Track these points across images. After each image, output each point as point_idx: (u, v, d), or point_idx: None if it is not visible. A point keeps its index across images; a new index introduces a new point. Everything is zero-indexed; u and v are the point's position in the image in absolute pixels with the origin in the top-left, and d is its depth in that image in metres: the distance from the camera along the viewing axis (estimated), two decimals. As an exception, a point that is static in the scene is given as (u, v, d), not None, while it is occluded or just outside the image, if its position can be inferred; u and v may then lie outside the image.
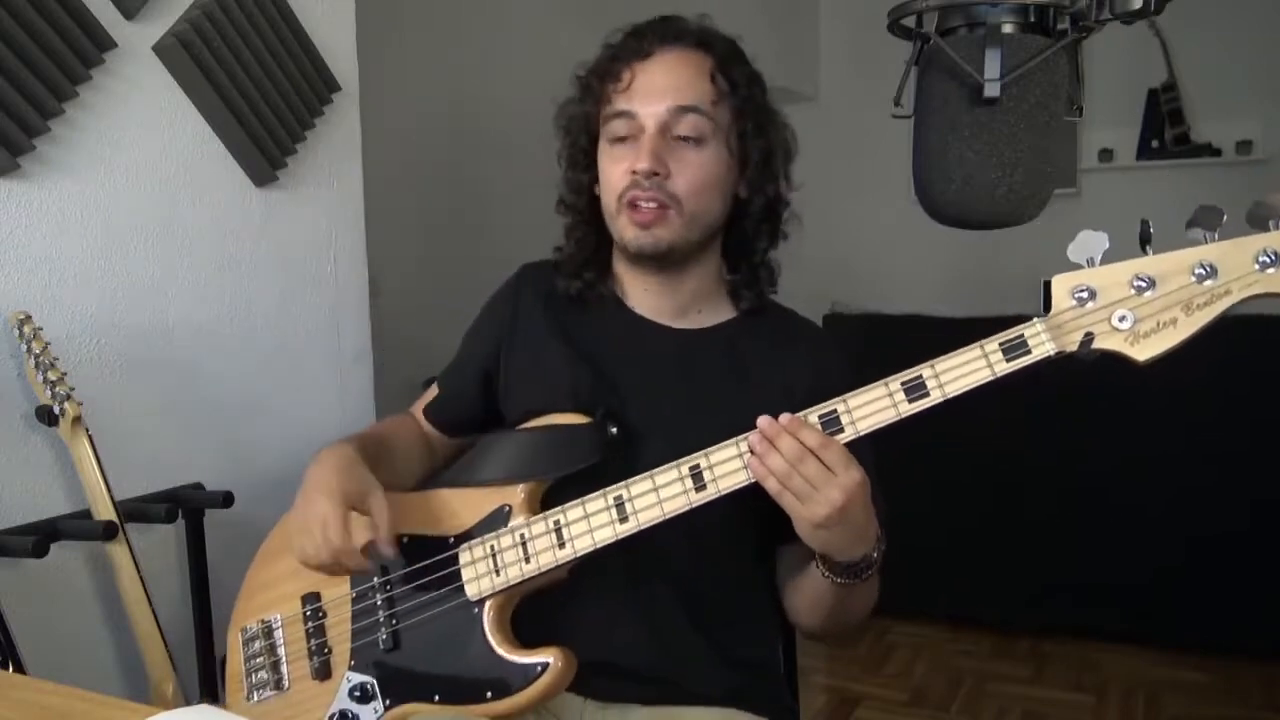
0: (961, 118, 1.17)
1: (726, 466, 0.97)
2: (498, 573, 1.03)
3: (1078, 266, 0.91)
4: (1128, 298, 0.89)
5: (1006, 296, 4.03)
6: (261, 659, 1.15)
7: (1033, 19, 1.18)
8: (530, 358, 1.21)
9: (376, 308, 2.02)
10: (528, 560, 1.02)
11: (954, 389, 0.92)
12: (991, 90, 1.14)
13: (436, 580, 1.06)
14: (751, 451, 0.95)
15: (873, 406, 0.94)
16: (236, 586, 1.25)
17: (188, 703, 1.39)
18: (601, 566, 1.02)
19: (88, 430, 1.36)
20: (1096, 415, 2.71)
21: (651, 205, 1.09)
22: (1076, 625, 2.88)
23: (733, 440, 0.97)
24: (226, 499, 1.55)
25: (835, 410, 0.95)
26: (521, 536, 1.03)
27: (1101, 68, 3.63)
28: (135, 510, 1.46)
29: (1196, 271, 0.88)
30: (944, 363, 0.93)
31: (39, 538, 1.29)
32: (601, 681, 1.08)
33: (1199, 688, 2.59)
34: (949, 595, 2.99)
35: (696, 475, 0.97)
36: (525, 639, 1.05)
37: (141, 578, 1.38)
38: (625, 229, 1.12)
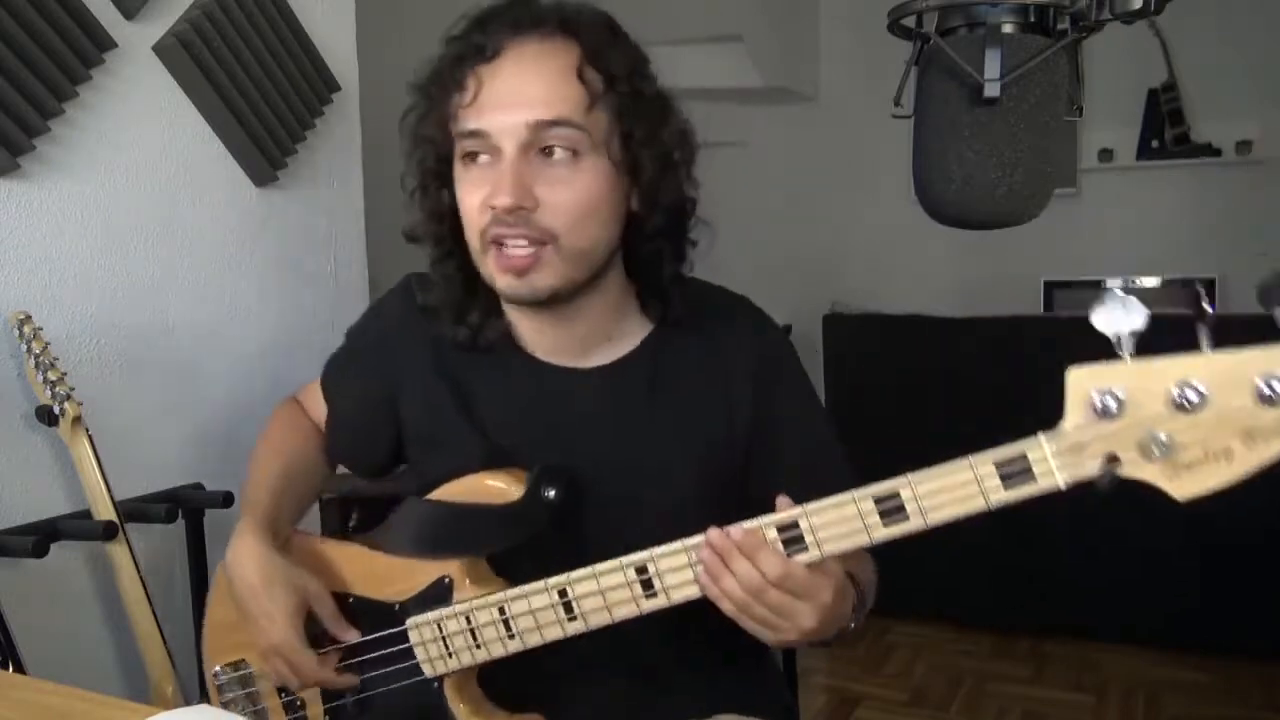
0: (961, 118, 1.17)
1: (677, 576, 0.85)
2: (451, 655, 0.96)
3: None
4: (1167, 416, 0.67)
5: (1006, 297, 4.06)
6: (241, 706, 1.08)
7: (1033, 19, 1.17)
8: (430, 420, 1.06)
9: (376, 308, 2.02)
10: (479, 647, 0.94)
11: (938, 517, 0.76)
12: (991, 90, 1.14)
13: (391, 655, 0.99)
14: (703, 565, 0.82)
15: (841, 528, 0.79)
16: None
17: (188, 703, 1.38)
18: None
19: (88, 430, 1.36)
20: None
21: (521, 246, 0.89)
22: (1076, 625, 2.88)
23: (681, 544, 0.84)
24: (226, 499, 1.55)
25: (797, 525, 0.80)
26: (468, 621, 0.94)
27: (1101, 68, 3.63)
28: (135, 510, 1.46)
29: (1263, 390, 0.64)
30: (927, 482, 0.76)
31: (39, 538, 1.29)
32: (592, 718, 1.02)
33: (1199, 688, 2.59)
34: (949, 595, 2.99)
35: (646, 582, 0.85)
36: (495, 693, 0.99)
37: (141, 578, 1.38)
38: (495, 274, 0.93)
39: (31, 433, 1.40)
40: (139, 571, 1.38)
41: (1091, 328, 0.72)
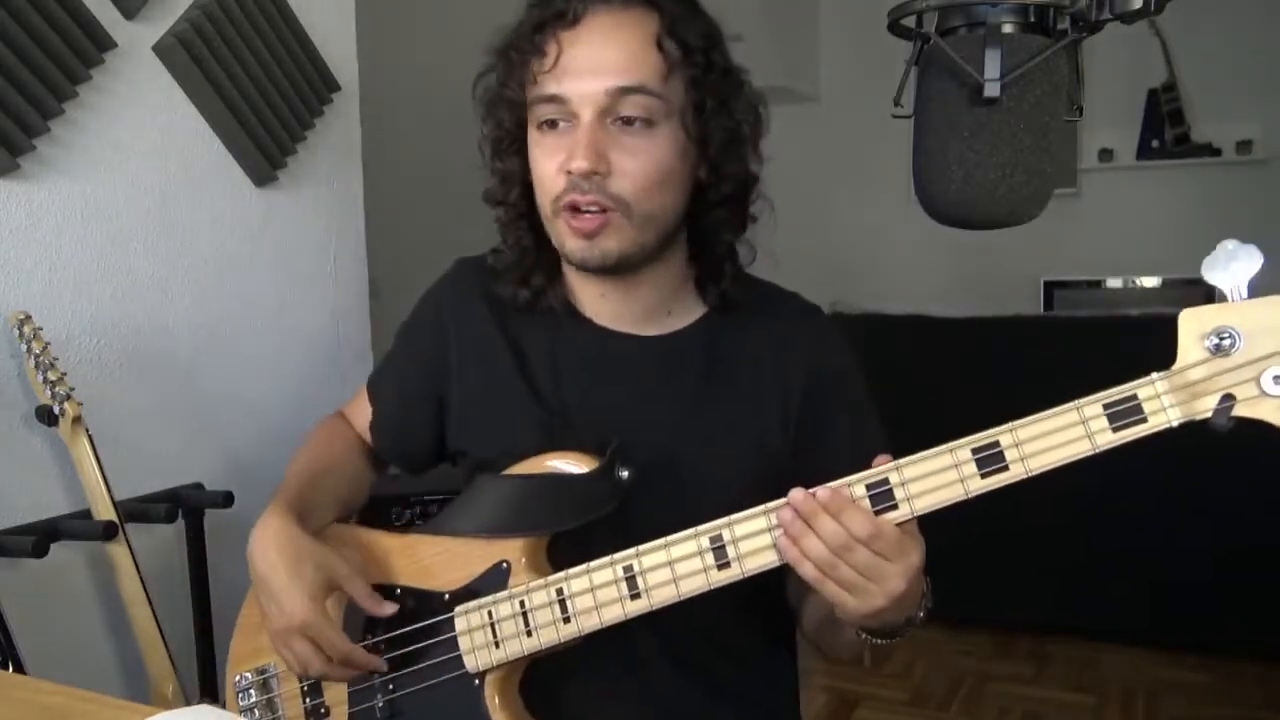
0: (961, 118, 1.17)
1: (753, 542, 0.82)
2: (498, 645, 0.91)
3: (1212, 293, 0.69)
4: None
5: (1006, 297, 4.06)
6: (259, 712, 1.04)
7: (1033, 19, 1.17)
8: (483, 387, 1.04)
9: (376, 308, 2.02)
10: (529, 634, 0.90)
11: (1039, 464, 0.73)
12: (991, 90, 1.13)
13: (432, 647, 0.95)
14: (783, 529, 0.79)
15: (934, 480, 0.76)
16: (237, 586, 1.24)
17: (188, 703, 1.39)
18: (619, 630, 0.89)
19: (88, 430, 1.36)
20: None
21: (593, 210, 0.91)
22: (1076, 625, 2.88)
23: (762, 509, 0.81)
24: (226, 499, 1.55)
25: (887, 481, 0.78)
26: (521, 605, 0.90)
27: (1101, 68, 3.64)
28: (135, 510, 1.46)
29: None
30: (1029, 428, 0.74)
31: (39, 538, 1.29)
32: None
33: (1199, 688, 2.59)
34: (949, 595, 2.98)
35: (719, 549, 0.82)
36: (534, 705, 0.95)
37: (141, 578, 1.38)
38: (565, 238, 0.94)
39: (31, 433, 1.40)
40: (139, 571, 1.38)
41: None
